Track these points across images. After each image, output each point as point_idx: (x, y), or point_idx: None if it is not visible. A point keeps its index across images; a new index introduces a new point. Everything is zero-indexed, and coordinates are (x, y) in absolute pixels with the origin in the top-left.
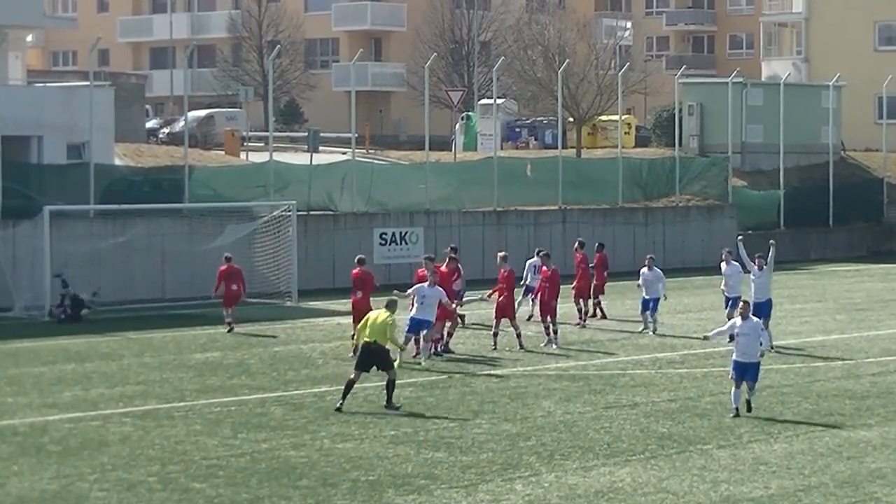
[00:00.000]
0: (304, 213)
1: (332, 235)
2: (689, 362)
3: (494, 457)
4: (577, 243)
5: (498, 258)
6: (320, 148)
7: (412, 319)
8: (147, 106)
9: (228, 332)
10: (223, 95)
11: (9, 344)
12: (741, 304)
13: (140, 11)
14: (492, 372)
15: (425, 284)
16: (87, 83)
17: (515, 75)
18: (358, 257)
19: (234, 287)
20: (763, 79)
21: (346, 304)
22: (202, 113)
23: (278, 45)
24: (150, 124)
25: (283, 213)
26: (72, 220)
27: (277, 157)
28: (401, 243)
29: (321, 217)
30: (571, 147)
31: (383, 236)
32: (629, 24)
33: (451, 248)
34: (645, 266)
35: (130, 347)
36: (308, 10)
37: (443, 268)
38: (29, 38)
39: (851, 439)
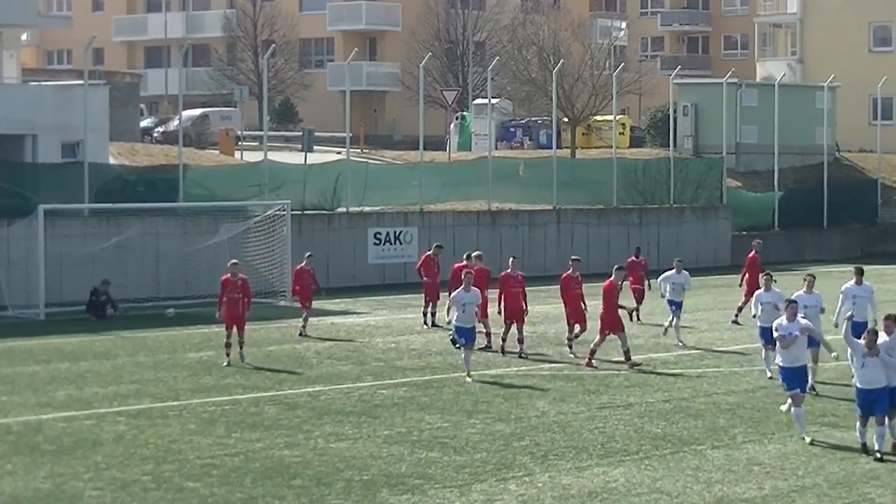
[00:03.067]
0: (299, 212)
1: (327, 235)
2: (683, 363)
3: (488, 457)
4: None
5: (472, 258)
6: (315, 148)
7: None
8: (142, 105)
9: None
10: (218, 95)
11: (3, 343)
12: (869, 334)
13: (135, 10)
14: (485, 372)
15: None
16: (82, 82)
17: (510, 75)
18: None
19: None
20: (758, 80)
21: (339, 304)
22: (197, 112)
23: (273, 45)
24: (144, 123)
25: (278, 212)
26: (66, 220)
27: (272, 156)
28: (395, 243)
29: (315, 216)
30: (566, 147)
31: (377, 236)
32: (624, 25)
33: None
34: (761, 288)
35: (124, 346)
36: (303, 9)
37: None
38: (23, 36)
39: (846, 440)
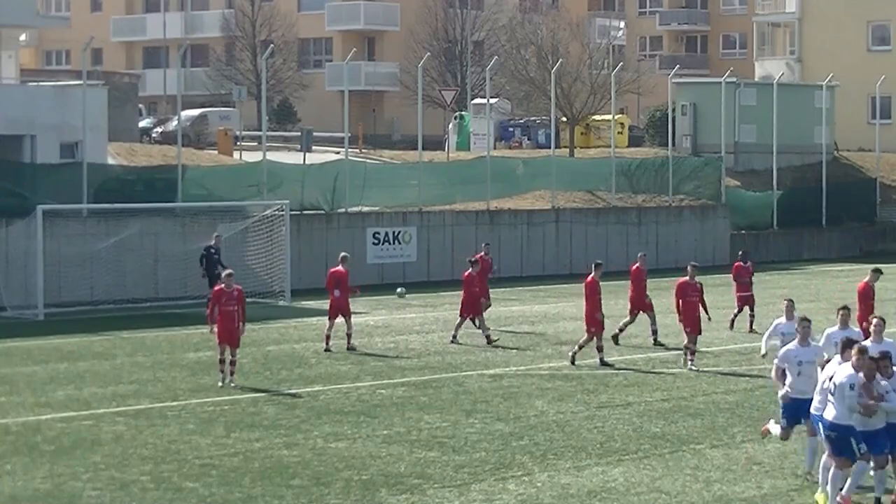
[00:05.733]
0: (297, 212)
1: (325, 235)
2: (683, 362)
3: (487, 456)
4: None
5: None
6: (313, 147)
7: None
8: (140, 105)
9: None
10: (216, 95)
11: (1, 343)
12: None
13: (133, 11)
14: (484, 371)
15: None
16: (81, 82)
17: (509, 75)
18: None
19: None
20: (756, 79)
21: None
22: (195, 112)
23: (271, 45)
24: (143, 124)
25: (276, 212)
26: (65, 220)
27: (270, 156)
28: (394, 243)
29: (314, 216)
30: (564, 146)
31: (376, 236)
32: (622, 24)
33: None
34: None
35: (123, 347)
36: (301, 9)
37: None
38: (22, 37)
39: None
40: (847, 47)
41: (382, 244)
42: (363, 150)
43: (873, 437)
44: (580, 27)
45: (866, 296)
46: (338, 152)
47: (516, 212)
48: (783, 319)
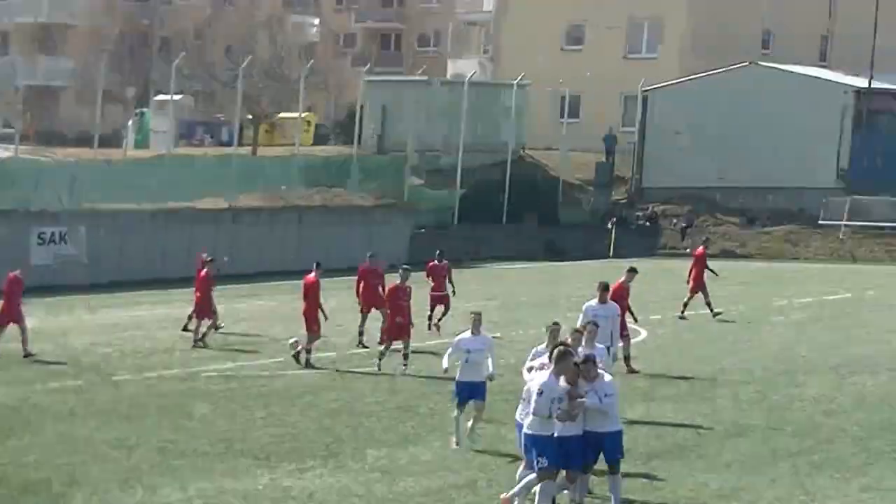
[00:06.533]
0: None
1: None
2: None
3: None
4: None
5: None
6: None
7: None
8: None
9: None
10: None
11: None
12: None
13: None
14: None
15: None
16: None
17: (196, 71)
18: None
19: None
20: (448, 77)
21: None
22: None
23: None
24: None
25: None
26: None
27: None
28: (60, 243)
29: None
30: (249, 145)
31: (41, 236)
32: (317, 21)
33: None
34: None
35: None
36: None
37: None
38: None
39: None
40: (541, 47)
41: (48, 244)
42: (37, 147)
43: (568, 442)
44: (274, 23)
45: (619, 295)
46: (7, 149)
47: (193, 210)
48: (468, 334)
